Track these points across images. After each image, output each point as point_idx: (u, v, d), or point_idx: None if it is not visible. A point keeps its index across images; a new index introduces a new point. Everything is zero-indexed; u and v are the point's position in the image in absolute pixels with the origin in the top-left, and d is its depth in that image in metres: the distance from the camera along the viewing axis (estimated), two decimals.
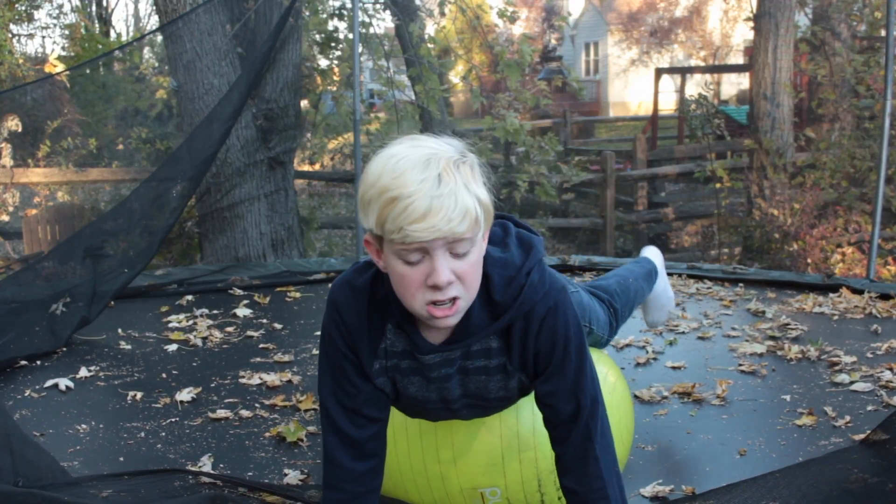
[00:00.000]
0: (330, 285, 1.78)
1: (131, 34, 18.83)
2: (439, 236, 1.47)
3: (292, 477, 2.48)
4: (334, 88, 8.51)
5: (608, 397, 2.14)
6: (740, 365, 3.45)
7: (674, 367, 3.40)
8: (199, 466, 2.52)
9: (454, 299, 1.56)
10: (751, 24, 10.56)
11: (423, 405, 1.85)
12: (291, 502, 2.28)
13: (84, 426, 2.94)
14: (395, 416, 2.03)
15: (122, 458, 2.69)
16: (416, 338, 1.69)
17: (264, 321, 4.28)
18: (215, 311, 4.45)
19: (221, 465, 2.56)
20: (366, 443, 1.78)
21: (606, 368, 2.31)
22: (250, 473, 2.48)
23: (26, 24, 11.06)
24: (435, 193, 1.47)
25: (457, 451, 2.04)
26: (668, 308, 2.99)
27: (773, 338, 3.83)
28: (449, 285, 1.53)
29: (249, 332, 4.07)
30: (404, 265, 1.53)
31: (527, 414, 2.03)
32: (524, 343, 1.72)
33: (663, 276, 2.92)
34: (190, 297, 4.72)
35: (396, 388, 1.81)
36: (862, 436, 2.52)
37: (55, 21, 12.52)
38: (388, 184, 1.48)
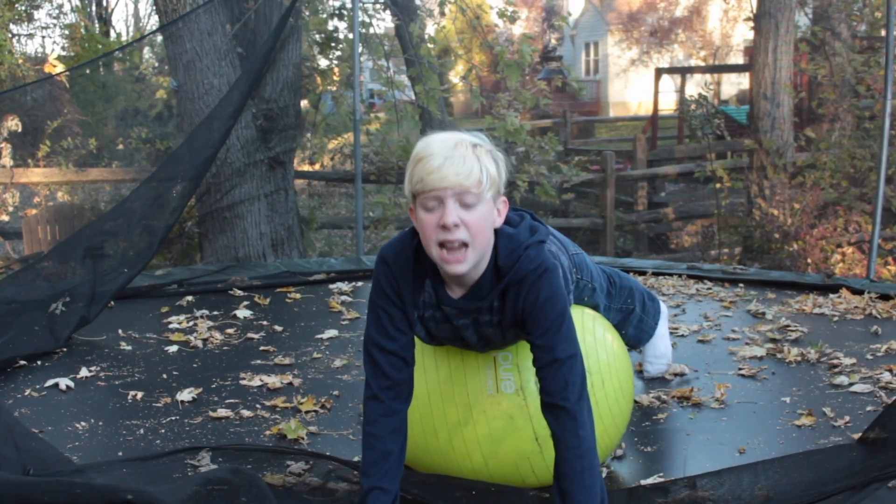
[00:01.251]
0: (380, 247, 2.20)
1: (131, 34, 18.84)
2: (448, 185, 1.91)
3: (295, 468, 2.48)
4: (334, 88, 8.52)
5: (608, 361, 2.44)
6: (740, 369, 3.45)
7: (674, 373, 3.40)
8: (198, 460, 2.52)
9: (463, 246, 1.95)
10: (751, 24, 10.56)
11: (450, 342, 2.29)
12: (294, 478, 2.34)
13: (83, 424, 2.95)
14: None
15: (120, 453, 2.70)
16: (441, 292, 2.12)
17: (264, 323, 4.28)
18: (215, 312, 4.44)
19: (220, 459, 2.56)
20: (400, 385, 2.11)
21: (612, 336, 2.55)
22: (249, 467, 2.47)
23: (26, 24, 11.07)
24: (449, 154, 1.93)
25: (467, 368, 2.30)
26: (667, 359, 3.30)
27: (772, 340, 3.82)
28: (456, 228, 1.93)
29: (250, 334, 4.07)
30: (424, 212, 1.96)
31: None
32: (515, 303, 2.09)
33: (664, 326, 3.21)
34: (190, 298, 4.72)
35: (430, 333, 2.23)
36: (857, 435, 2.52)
37: (55, 21, 12.52)
38: (420, 151, 1.97)
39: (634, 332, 3.07)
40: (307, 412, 3.06)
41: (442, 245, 1.96)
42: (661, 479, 2.40)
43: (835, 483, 2.22)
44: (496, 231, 2.06)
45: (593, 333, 2.46)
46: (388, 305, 2.11)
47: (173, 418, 3.01)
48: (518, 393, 2.27)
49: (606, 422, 2.37)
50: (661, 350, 3.25)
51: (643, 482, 2.39)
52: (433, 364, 2.35)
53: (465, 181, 1.92)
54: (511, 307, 2.10)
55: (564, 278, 2.23)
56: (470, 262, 1.99)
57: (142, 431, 2.89)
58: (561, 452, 2.02)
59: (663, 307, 3.20)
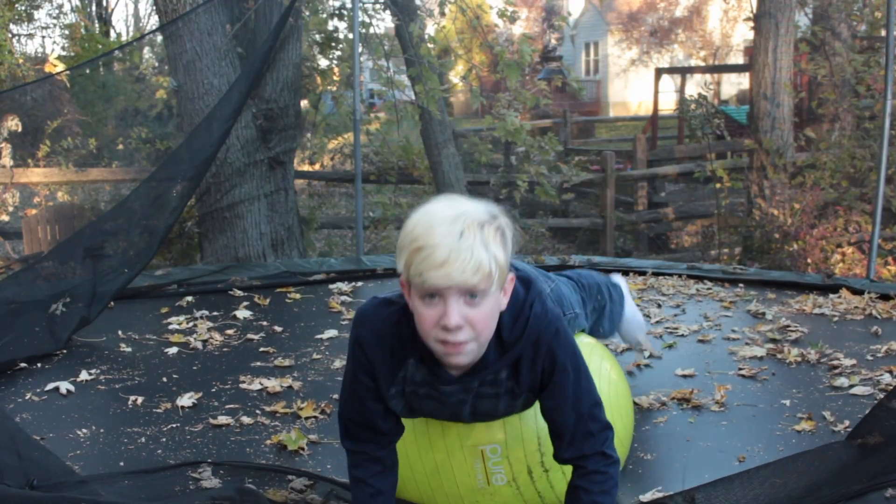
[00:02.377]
0: (353, 316, 2.00)
1: (131, 34, 18.83)
2: (453, 284, 1.69)
3: (297, 483, 2.48)
4: (334, 88, 8.51)
5: (609, 392, 2.30)
6: (740, 369, 3.45)
7: (673, 372, 3.40)
8: (199, 473, 2.52)
9: (464, 342, 1.76)
10: (751, 24, 10.55)
11: (432, 415, 2.08)
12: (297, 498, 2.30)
13: (84, 431, 2.94)
14: None
15: (122, 463, 2.69)
16: (439, 371, 1.91)
17: (264, 324, 4.28)
18: (215, 313, 4.44)
19: (222, 472, 2.56)
20: (382, 438, 2.02)
21: (608, 364, 2.42)
22: (251, 481, 2.47)
23: (26, 24, 11.06)
24: (454, 247, 1.68)
25: None
26: (642, 327, 3.22)
27: (773, 340, 3.83)
28: (458, 329, 1.73)
29: (250, 335, 4.07)
30: (423, 305, 1.75)
31: None
32: (532, 368, 1.92)
33: (629, 301, 3.13)
34: (190, 299, 4.72)
35: (411, 407, 2.03)
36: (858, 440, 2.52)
37: (55, 21, 12.51)
38: (418, 235, 1.71)
39: (609, 324, 2.99)
40: (307, 418, 3.05)
41: (443, 342, 1.78)
42: (660, 495, 2.38)
43: (830, 488, 2.22)
44: None
45: (589, 364, 2.38)
46: (359, 387, 1.97)
47: (174, 426, 3.01)
48: (510, 484, 2.16)
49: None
50: (634, 325, 3.16)
51: (641, 498, 2.39)
52: (417, 456, 2.20)
53: (471, 279, 1.69)
54: (527, 375, 1.93)
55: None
56: (473, 353, 1.82)
57: (143, 440, 2.88)
58: (586, 486, 1.95)
59: (621, 282, 3.14)
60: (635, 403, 3.09)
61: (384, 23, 9.54)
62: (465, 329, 1.74)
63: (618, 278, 3.17)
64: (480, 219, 1.74)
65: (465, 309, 1.73)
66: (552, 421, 1.97)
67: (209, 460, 2.62)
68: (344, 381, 2.03)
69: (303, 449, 2.79)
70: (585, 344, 2.44)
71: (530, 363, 1.91)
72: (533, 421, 2.10)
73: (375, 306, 1.95)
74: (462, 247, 1.68)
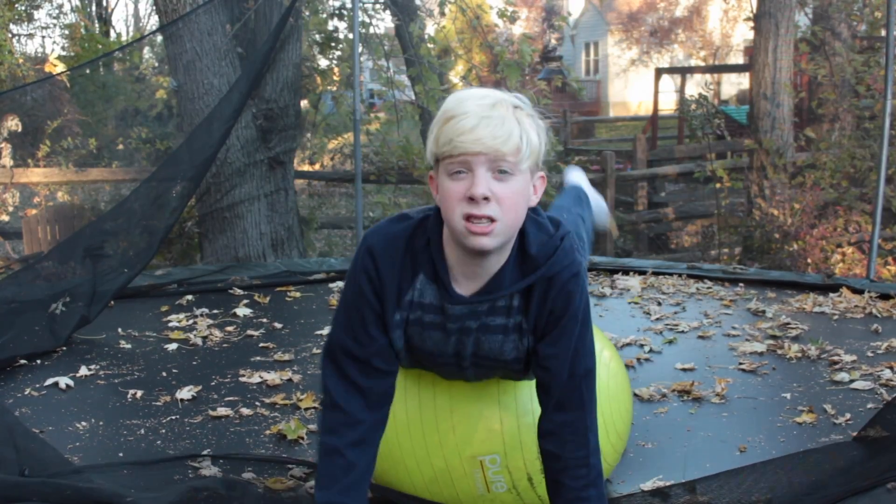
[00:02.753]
0: (364, 233, 1.85)
1: (131, 34, 18.84)
2: (483, 150, 1.61)
3: (297, 471, 2.48)
4: (334, 88, 8.51)
5: (608, 379, 2.25)
6: (740, 364, 3.45)
7: (673, 366, 3.40)
8: (199, 462, 2.52)
9: (491, 220, 1.65)
10: (751, 24, 10.56)
11: (434, 359, 1.91)
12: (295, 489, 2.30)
13: (84, 423, 2.94)
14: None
15: (121, 454, 2.70)
16: (450, 288, 1.78)
17: (264, 320, 4.28)
18: (215, 311, 4.45)
19: (221, 462, 2.56)
20: (369, 393, 1.83)
21: (609, 352, 2.37)
22: (250, 469, 2.47)
23: (26, 24, 11.07)
24: (486, 114, 1.63)
25: (455, 418, 2.06)
26: (604, 213, 3.15)
27: (773, 337, 3.83)
28: (485, 201, 1.63)
29: (249, 332, 4.07)
30: (450, 180, 1.66)
31: (524, 382, 2.07)
32: (542, 303, 1.80)
33: (592, 194, 3.05)
34: (190, 297, 4.72)
35: (410, 343, 1.86)
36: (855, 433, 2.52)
37: (55, 21, 12.51)
38: (451, 108, 1.66)
39: (588, 232, 2.82)
40: (307, 409, 3.06)
41: (467, 218, 1.65)
42: (661, 483, 2.38)
43: (836, 486, 2.21)
44: (526, 217, 1.77)
45: (606, 365, 2.30)
46: (363, 305, 1.80)
47: (173, 417, 3.01)
48: (511, 491, 2.10)
49: (613, 441, 2.27)
50: (600, 215, 3.10)
51: (642, 486, 2.39)
52: (416, 465, 2.12)
53: (502, 146, 1.62)
54: (537, 308, 1.80)
55: None
56: (498, 238, 1.68)
57: (142, 431, 2.89)
58: (565, 481, 1.82)
59: (580, 180, 3.09)
60: (635, 394, 3.10)
61: (384, 23, 9.56)
62: (491, 203, 1.64)
63: (575, 178, 3.10)
64: (515, 103, 1.69)
65: (494, 182, 1.64)
66: (545, 370, 1.84)
67: (205, 452, 2.62)
68: (341, 306, 1.85)
69: (302, 438, 2.79)
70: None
71: (542, 297, 1.79)
72: (532, 428, 2.01)
73: (389, 220, 1.84)
74: (493, 115, 1.63)
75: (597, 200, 3.09)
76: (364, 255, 1.80)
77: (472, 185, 1.63)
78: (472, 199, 1.63)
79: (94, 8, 13.81)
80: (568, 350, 1.81)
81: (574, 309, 1.80)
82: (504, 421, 2.05)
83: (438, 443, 2.08)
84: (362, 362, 1.82)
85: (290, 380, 3.38)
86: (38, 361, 3.64)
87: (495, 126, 1.62)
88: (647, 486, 2.38)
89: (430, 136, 1.69)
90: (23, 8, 10.14)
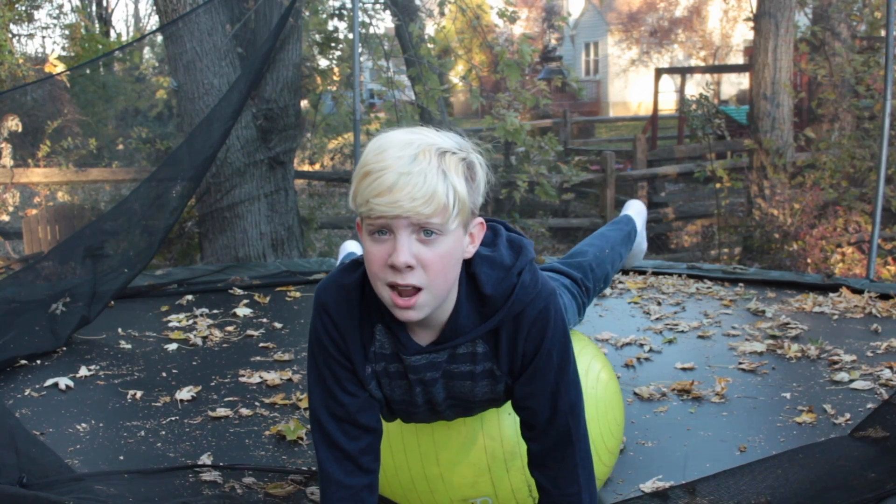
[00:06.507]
0: (315, 287, 1.74)
1: (131, 34, 18.84)
2: (401, 213, 1.46)
3: (297, 476, 2.48)
4: (334, 88, 8.52)
5: (596, 391, 2.18)
6: (740, 363, 3.45)
7: (673, 366, 3.40)
8: (199, 467, 2.52)
9: (416, 290, 1.52)
10: (751, 24, 10.57)
11: (409, 409, 1.82)
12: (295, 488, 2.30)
13: (84, 425, 2.94)
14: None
15: (122, 457, 2.69)
16: (403, 337, 1.66)
17: (264, 320, 4.28)
18: (215, 311, 4.45)
19: (222, 464, 2.56)
20: (360, 456, 1.74)
21: (599, 364, 2.29)
22: (250, 474, 2.47)
23: (26, 24, 11.07)
24: (404, 171, 1.46)
25: (443, 466, 2.03)
26: (640, 255, 2.87)
27: (773, 337, 3.83)
28: (408, 270, 1.50)
29: (249, 332, 4.07)
30: (372, 242, 1.52)
31: (509, 422, 2.01)
32: (513, 346, 1.68)
33: (642, 232, 2.80)
34: (190, 297, 4.72)
35: (385, 395, 1.77)
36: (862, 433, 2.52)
37: (55, 21, 12.52)
38: (369, 160, 1.50)
39: (615, 270, 2.62)
40: (306, 409, 3.05)
41: (392, 286, 1.53)
42: (661, 484, 2.38)
43: (840, 490, 2.21)
44: (474, 255, 1.63)
45: (578, 362, 2.24)
46: (334, 364, 1.70)
47: (173, 418, 3.01)
48: None
49: (605, 460, 2.23)
50: (634, 253, 2.80)
51: (642, 486, 2.38)
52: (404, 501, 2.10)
53: (423, 209, 1.45)
54: (508, 353, 1.68)
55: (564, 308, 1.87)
56: (426, 308, 1.55)
57: (142, 433, 2.88)
58: None
59: (640, 213, 2.80)
60: (635, 394, 3.11)
61: (384, 23, 9.56)
62: (416, 271, 1.50)
63: (635, 213, 2.78)
64: (443, 146, 1.51)
65: (418, 247, 1.49)
66: (525, 409, 1.75)
67: (202, 462, 2.61)
68: (311, 368, 1.74)
69: (301, 439, 2.79)
70: (575, 341, 2.34)
71: (510, 340, 1.67)
72: (521, 470, 1.98)
73: (340, 271, 1.71)
74: (413, 170, 1.46)
75: (640, 242, 2.84)
76: (321, 314, 1.69)
77: (393, 250, 1.49)
78: (394, 267, 1.50)
79: (94, 8, 13.81)
80: (546, 387, 1.70)
81: (548, 345, 1.67)
82: (492, 466, 2.00)
83: (428, 490, 2.05)
84: (347, 422, 1.72)
85: (289, 380, 3.38)
86: (38, 362, 3.64)
87: (415, 185, 1.45)
88: (647, 486, 2.38)
89: (351, 187, 1.54)
90: (23, 8, 10.14)
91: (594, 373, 2.25)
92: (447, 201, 1.48)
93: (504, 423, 2.01)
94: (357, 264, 1.69)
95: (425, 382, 1.73)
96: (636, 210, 2.83)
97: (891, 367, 3.33)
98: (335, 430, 1.72)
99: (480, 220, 1.61)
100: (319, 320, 1.69)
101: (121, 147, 8.07)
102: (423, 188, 1.46)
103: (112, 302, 4.43)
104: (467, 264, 1.63)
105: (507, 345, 1.68)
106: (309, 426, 2.83)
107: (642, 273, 5.22)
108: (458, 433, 2.01)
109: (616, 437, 2.29)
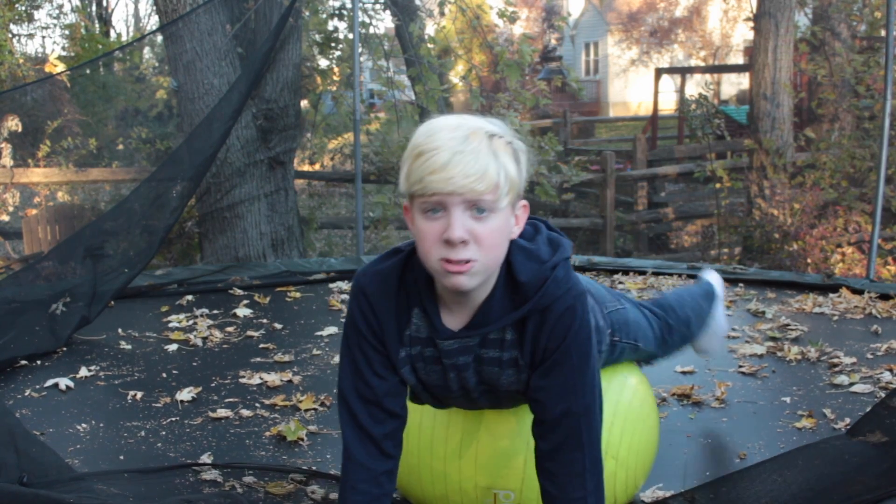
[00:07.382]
0: (354, 275, 1.80)
1: (131, 34, 18.84)
2: (456, 190, 1.51)
3: (297, 476, 2.48)
4: (334, 88, 8.52)
5: (629, 400, 2.16)
6: (740, 367, 3.45)
7: (673, 369, 3.40)
8: (199, 467, 2.52)
9: (468, 261, 1.56)
10: (751, 24, 10.56)
11: (444, 394, 1.86)
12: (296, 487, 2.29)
13: (84, 425, 2.94)
14: (412, 414, 2.01)
15: (122, 457, 2.69)
16: (437, 322, 1.72)
17: (264, 321, 4.28)
18: (215, 311, 4.45)
19: (221, 462, 2.56)
20: (383, 440, 1.78)
21: (628, 372, 2.27)
22: (251, 474, 2.47)
23: (26, 24, 11.07)
24: (458, 149, 1.52)
25: (480, 449, 2.04)
26: (721, 335, 2.85)
27: (773, 339, 3.83)
28: (463, 244, 1.54)
29: (249, 332, 4.07)
30: (425, 220, 1.56)
31: None
32: (537, 339, 1.72)
33: (720, 304, 2.81)
34: (190, 297, 4.72)
35: (419, 378, 1.81)
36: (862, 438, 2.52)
37: (55, 21, 12.52)
38: (420, 141, 1.55)
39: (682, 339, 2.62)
40: (307, 410, 3.06)
41: (445, 261, 1.57)
42: (661, 493, 2.37)
43: (839, 492, 2.21)
44: (510, 243, 1.67)
45: (613, 377, 2.18)
46: (366, 347, 1.75)
47: (173, 419, 3.01)
48: None
49: (621, 480, 2.15)
50: (713, 328, 2.76)
51: (641, 495, 2.38)
52: (429, 477, 2.10)
53: (477, 185, 1.51)
54: (531, 342, 1.72)
55: (597, 328, 1.90)
56: (478, 277, 1.60)
57: (142, 433, 2.88)
58: None
59: (717, 281, 2.80)
60: None
61: (384, 23, 9.56)
62: (470, 246, 1.54)
63: (714, 281, 2.80)
64: (491, 130, 1.57)
65: (471, 223, 1.54)
66: (535, 402, 1.76)
67: (202, 461, 2.61)
68: (344, 350, 1.80)
69: (302, 440, 2.79)
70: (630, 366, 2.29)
71: (535, 332, 1.70)
72: None
73: (380, 257, 1.78)
74: (466, 149, 1.52)
75: (721, 313, 2.80)
76: (358, 298, 1.75)
77: (447, 226, 1.53)
78: (448, 242, 1.54)
79: (94, 8, 13.81)
80: (559, 385, 1.72)
81: (569, 344, 1.70)
82: (528, 461, 1.97)
83: (458, 468, 2.06)
84: (374, 405, 1.77)
85: (290, 381, 3.38)
86: (39, 362, 3.64)
87: (468, 163, 1.51)
88: (647, 494, 2.37)
89: (402, 169, 1.59)
90: (23, 8, 10.14)
91: (629, 383, 2.21)
92: (498, 179, 1.54)
93: None
94: (396, 251, 1.76)
95: (458, 367, 1.78)
96: (714, 277, 2.86)
97: (891, 370, 3.33)
98: (362, 412, 1.76)
99: (525, 202, 1.66)
100: (356, 303, 1.75)
101: (121, 147, 8.08)
102: (475, 166, 1.51)
103: (112, 302, 4.43)
104: (509, 252, 1.68)
105: (532, 337, 1.72)
106: (308, 428, 2.85)
107: (642, 273, 5.22)
108: (505, 422, 2.03)
109: (653, 444, 2.24)
